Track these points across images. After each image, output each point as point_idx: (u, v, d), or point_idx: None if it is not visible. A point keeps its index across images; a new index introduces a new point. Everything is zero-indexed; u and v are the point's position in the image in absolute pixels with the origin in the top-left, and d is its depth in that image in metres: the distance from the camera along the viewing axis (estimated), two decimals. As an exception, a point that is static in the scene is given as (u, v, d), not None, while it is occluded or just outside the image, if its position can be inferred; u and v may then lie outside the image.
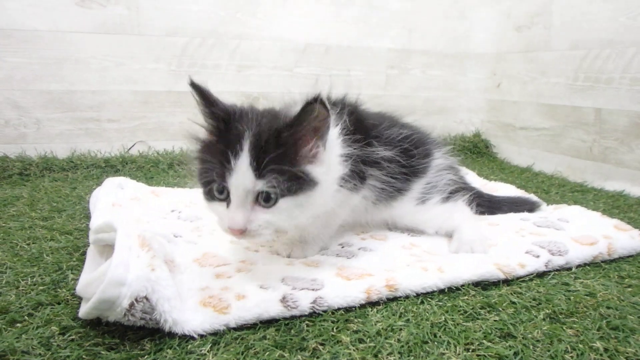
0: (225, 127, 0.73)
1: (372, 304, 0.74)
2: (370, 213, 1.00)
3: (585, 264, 0.92)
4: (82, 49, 1.63)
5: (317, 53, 1.93)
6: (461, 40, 2.18)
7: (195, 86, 0.73)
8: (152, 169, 1.64)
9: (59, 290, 0.73)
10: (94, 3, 1.62)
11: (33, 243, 0.93)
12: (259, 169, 0.69)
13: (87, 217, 1.10)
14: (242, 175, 0.69)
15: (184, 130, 1.80)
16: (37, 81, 1.60)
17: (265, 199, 0.71)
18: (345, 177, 0.82)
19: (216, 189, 0.72)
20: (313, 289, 0.71)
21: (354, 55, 2.01)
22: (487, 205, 1.19)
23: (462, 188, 1.11)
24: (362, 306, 0.73)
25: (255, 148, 0.69)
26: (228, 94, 1.83)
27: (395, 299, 0.75)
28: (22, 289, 0.73)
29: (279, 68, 1.90)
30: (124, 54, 1.69)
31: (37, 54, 1.58)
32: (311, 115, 0.69)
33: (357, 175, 0.86)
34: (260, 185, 0.69)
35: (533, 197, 1.30)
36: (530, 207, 1.23)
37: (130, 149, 1.74)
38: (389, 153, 0.92)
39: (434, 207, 1.02)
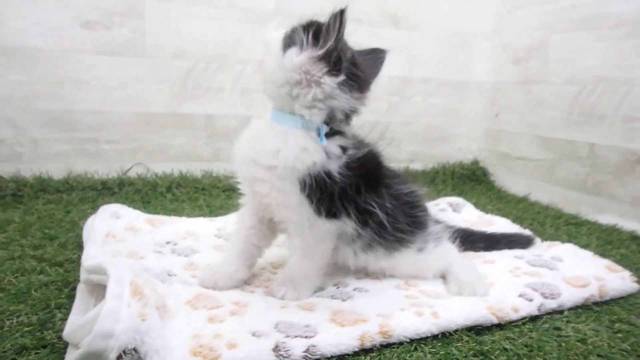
0: None
1: (366, 351, 0.73)
2: (361, 260, 0.95)
3: (577, 307, 0.92)
4: (84, 69, 1.64)
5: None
6: (461, 69, 2.21)
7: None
8: (149, 192, 1.63)
9: (45, 332, 0.71)
10: (99, 25, 1.63)
11: (22, 276, 0.91)
12: None
13: (80, 246, 1.09)
14: None
15: (184, 152, 1.82)
16: (37, 100, 1.60)
17: None
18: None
19: None
20: (306, 337, 0.70)
21: (355, 82, 2.03)
22: (484, 241, 1.19)
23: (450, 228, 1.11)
24: (356, 353, 0.72)
25: None
26: (231, 117, 1.84)
27: (388, 345, 0.75)
28: (7, 330, 0.72)
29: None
30: (128, 75, 1.70)
31: (39, 73, 1.58)
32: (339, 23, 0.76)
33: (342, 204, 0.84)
34: None
35: (527, 232, 1.31)
36: (525, 243, 1.23)
37: (128, 170, 1.74)
38: (390, 205, 0.90)
39: (431, 253, 1.00)
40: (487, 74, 2.19)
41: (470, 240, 1.16)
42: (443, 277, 1.01)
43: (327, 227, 0.85)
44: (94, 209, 1.28)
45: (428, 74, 2.15)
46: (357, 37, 2.13)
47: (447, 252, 1.03)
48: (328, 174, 0.80)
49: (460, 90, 2.23)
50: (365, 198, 0.86)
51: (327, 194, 0.81)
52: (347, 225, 0.86)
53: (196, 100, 1.81)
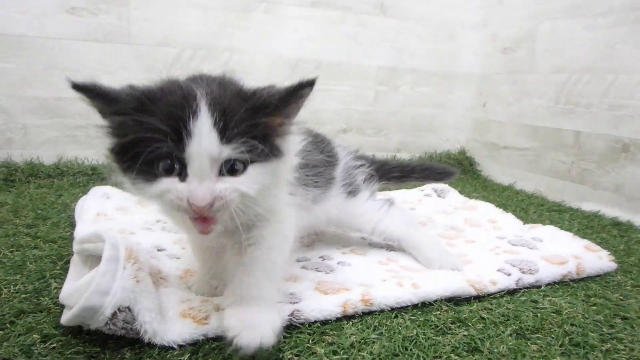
0: (152, 98, 0.58)
1: (348, 317, 0.76)
2: (313, 212, 0.93)
3: (554, 283, 0.95)
4: (71, 56, 1.64)
5: (308, 69, 1.97)
6: (449, 60, 2.25)
7: (82, 87, 0.58)
8: (138, 178, 1.65)
9: (41, 298, 0.74)
10: (85, 11, 1.64)
11: (17, 251, 0.94)
12: (226, 131, 0.56)
13: (72, 225, 1.12)
14: (205, 139, 0.55)
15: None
16: (25, 87, 1.61)
17: (230, 169, 0.58)
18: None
19: (163, 166, 0.57)
20: (291, 302, 0.73)
21: (344, 72, 2.06)
22: (399, 171, 1.23)
23: (371, 166, 1.13)
24: (339, 319, 0.75)
25: (216, 106, 0.57)
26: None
27: (370, 312, 0.78)
28: (4, 297, 0.75)
29: (270, 82, 1.93)
30: (114, 63, 1.71)
31: (25, 60, 1.59)
32: (301, 98, 0.63)
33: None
34: (228, 151, 0.57)
35: (448, 167, 1.34)
36: (442, 175, 1.28)
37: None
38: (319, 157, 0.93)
39: (365, 203, 1.05)
40: (475, 64, 2.22)
41: (385, 170, 1.19)
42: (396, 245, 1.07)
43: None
44: (85, 193, 1.30)
45: (416, 64, 2.19)
46: (345, 26, 2.17)
47: (396, 219, 1.07)
48: None
49: (448, 81, 2.26)
50: None
51: None
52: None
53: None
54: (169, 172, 0.57)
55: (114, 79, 1.68)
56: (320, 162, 0.94)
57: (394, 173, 1.22)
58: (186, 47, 1.79)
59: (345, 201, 1.03)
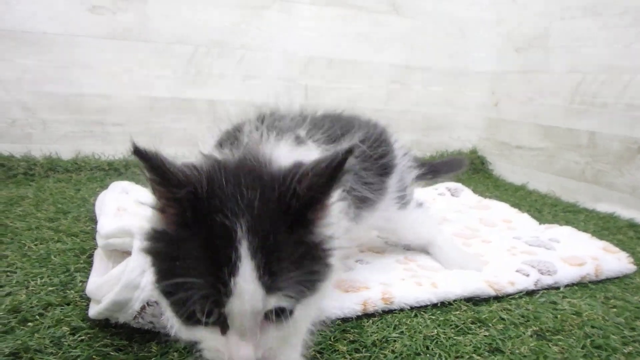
0: (194, 213, 0.49)
1: (368, 315, 0.77)
2: (352, 231, 0.81)
3: (573, 284, 0.95)
4: (91, 53, 1.66)
5: (320, 66, 1.97)
6: (461, 58, 2.23)
7: (142, 154, 0.48)
8: (154, 173, 1.67)
9: (67, 291, 0.76)
10: (105, 9, 1.66)
11: (40, 244, 0.95)
12: (271, 279, 0.47)
13: (92, 220, 1.13)
14: (247, 295, 0.47)
15: (187, 136, 1.86)
16: (46, 83, 1.63)
17: (277, 314, 0.50)
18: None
19: (201, 311, 0.49)
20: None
21: (357, 69, 2.06)
22: (428, 170, 1.17)
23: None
24: (359, 317, 0.76)
25: (260, 247, 0.47)
26: (232, 103, 1.87)
27: (390, 311, 0.79)
28: (32, 289, 0.76)
29: (283, 79, 1.94)
30: (132, 60, 1.73)
31: (46, 56, 1.61)
32: (341, 175, 0.50)
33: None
34: (275, 300, 0.48)
35: (457, 157, 1.32)
36: (458, 164, 1.27)
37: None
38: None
39: (413, 212, 1.00)
40: (488, 63, 2.21)
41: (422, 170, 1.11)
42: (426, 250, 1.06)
43: None
44: (103, 187, 1.31)
45: (428, 63, 2.18)
46: (358, 25, 2.17)
47: (426, 223, 1.04)
48: None
49: (461, 79, 2.25)
50: None
51: None
52: None
53: (198, 86, 1.84)
54: (208, 316, 0.49)
55: (132, 76, 1.72)
56: (373, 176, 0.84)
57: (427, 173, 1.16)
58: (201, 44, 1.80)
59: (397, 213, 0.94)
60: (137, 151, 0.47)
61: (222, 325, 0.50)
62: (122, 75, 1.72)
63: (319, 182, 0.49)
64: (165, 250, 0.50)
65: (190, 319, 0.49)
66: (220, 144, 0.69)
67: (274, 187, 0.50)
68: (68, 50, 1.63)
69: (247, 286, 0.46)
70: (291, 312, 0.50)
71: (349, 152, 0.48)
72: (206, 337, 0.51)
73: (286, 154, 0.60)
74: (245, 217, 0.48)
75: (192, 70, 1.82)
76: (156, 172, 0.48)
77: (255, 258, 0.47)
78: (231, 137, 0.68)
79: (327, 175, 0.49)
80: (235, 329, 0.49)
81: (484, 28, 2.21)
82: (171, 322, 0.54)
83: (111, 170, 1.64)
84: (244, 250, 0.47)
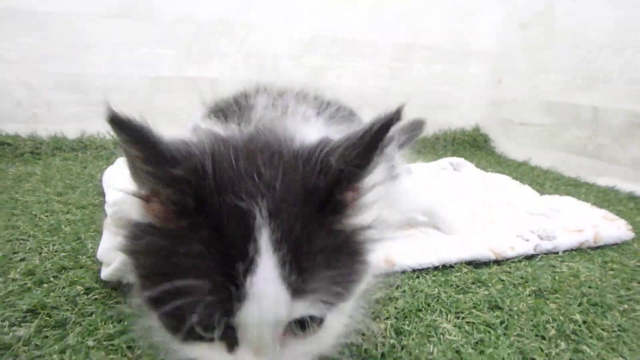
0: (196, 197, 0.38)
1: (371, 277, 0.79)
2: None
3: (571, 250, 0.97)
4: (93, 32, 1.67)
5: (324, 45, 1.97)
6: (464, 36, 2.22)
7: (123, 123, 0.37)
8: (159, 152, 1.68)
9: (79, 257, 0.78)
10: (107, -12, 1.66)
11: (51, 215, 0.98)
12: (300, 278, 0.37)
13: (100, 194, 1.15)
14: (268, 300, 0.36)
15: (190, 115, 1.87)
16: (49, 63, 1.64)
17: (303, 325, 0.39)
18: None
19: (199, 323, 0.37)
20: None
21: (360, 48, 2.05)
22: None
23: None
24: (362, 279, 0.78)
25: (286, 238, 0.37)
26: (236, 82, 1.87)
27: (392, 273, 0.81)
28: (45, 255, 0.79)
29: (286, 58, 1.94)
30: (134, 39, 1.73)
31: (48, 36, 1.61)
32: (383, 145, 0.40)
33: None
34: (303, 306, 0.38)
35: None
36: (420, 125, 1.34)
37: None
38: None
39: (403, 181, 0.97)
40: (491, 41, 2.20)
41: None
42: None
43: None
44: (109, 164, 1.34)
45: (431, 41, 2.17)
46: (361, 3, 2.15)
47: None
48: None
49: (464, 57, 2.24)
50: None
51: None
52: None
53: (201, 65, 1.84)
54: (207, 331, 0.37)
55: (134, 55, 1.73)
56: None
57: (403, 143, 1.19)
58: (205, 23, 1.80)
59: (388, 185, 0.89)
60: (115, 119, 0.36)
61: (230, 340, 0.39)
62: (125, 54, 1.73)
63: (355, 153, 0.39)
64: (154, 248, 0.39)
65: (188, 335, 0.37)
66: (210, 117, 0.62)
67: (298, 164, 0.40)
68: (69, 29, 1.63)
69: (268, 288, 0.35)
70: (321, 321, 0.40)
71: (398, 113, 0.39)
72: (206, 356, 0.39)
73: (311, 130, 0.50)
74: (266, 199, 0.37)
75: (196, 49, 1.82)
76: (143, 146, 0.38)
77: (279, 251, 0.36)
78: (229, 110, 0.61)
79: (365, 144, 0.39)
80: (247, 344, 0.38)
81: (487, 6, 2.19)
82: (159, 338, 0.42)
83: (116, 150, 1.64)
84: (264, 241, 0.36)
